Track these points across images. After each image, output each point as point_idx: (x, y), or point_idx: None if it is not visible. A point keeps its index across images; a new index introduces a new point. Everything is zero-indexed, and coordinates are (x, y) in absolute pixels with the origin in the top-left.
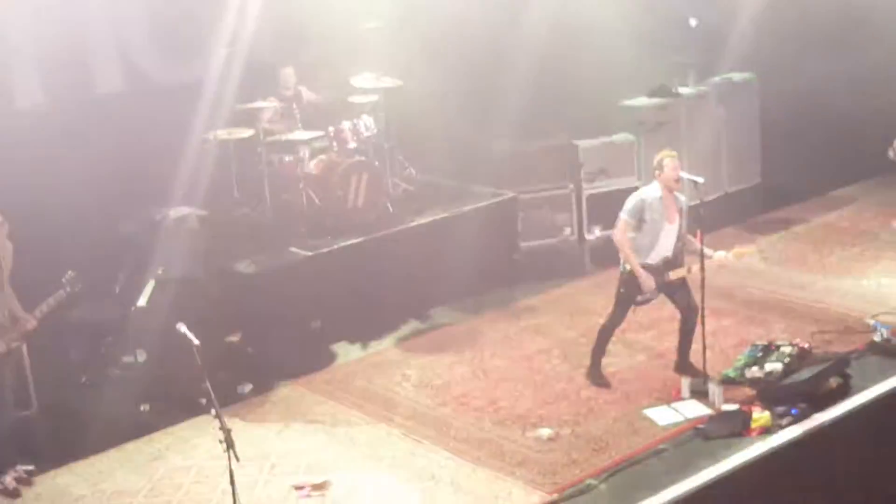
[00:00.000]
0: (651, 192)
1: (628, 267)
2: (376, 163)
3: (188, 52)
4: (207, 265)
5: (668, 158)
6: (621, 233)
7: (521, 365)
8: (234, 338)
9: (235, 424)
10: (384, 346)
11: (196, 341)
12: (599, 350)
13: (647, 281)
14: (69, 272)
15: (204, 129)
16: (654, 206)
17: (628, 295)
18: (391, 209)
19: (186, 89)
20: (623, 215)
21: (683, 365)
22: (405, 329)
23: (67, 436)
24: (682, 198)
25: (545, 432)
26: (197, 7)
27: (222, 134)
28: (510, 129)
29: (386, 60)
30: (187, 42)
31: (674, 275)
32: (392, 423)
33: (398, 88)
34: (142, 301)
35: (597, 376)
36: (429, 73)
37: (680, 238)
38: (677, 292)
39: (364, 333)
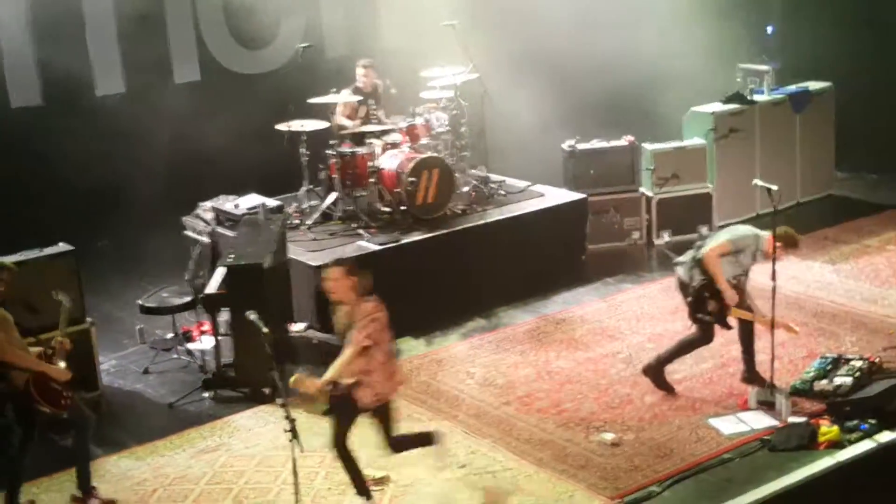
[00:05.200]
0: (762, 244)
1: (698, 284)
2: (448, 159)
3: (263, 44)
4: (276, 255)
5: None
6: (719, 254)
7: (585, 368)
8: (304, 326)
9: (298, 415)
10: (448, 342)
11: (265, 329)
12: (670, 360)
13: (732, 295)
14: None
15: (278, 120)
16: (754, 256)
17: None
18: (461, 206)
19: (262, 80)
20: (726, 236)
21: (750, 374)
22: (470, 326)
23: (131, 420)
24: None
25: (608, 437)
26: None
27: (296, 125)
28: (581, 131)
29: (460, 57)
30: (262, 34)
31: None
32: (455, 420)
33: (471, 86)
34: (211, 287)
35: (661, 382)
36: (501, 71)
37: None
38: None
39: (429, 329)
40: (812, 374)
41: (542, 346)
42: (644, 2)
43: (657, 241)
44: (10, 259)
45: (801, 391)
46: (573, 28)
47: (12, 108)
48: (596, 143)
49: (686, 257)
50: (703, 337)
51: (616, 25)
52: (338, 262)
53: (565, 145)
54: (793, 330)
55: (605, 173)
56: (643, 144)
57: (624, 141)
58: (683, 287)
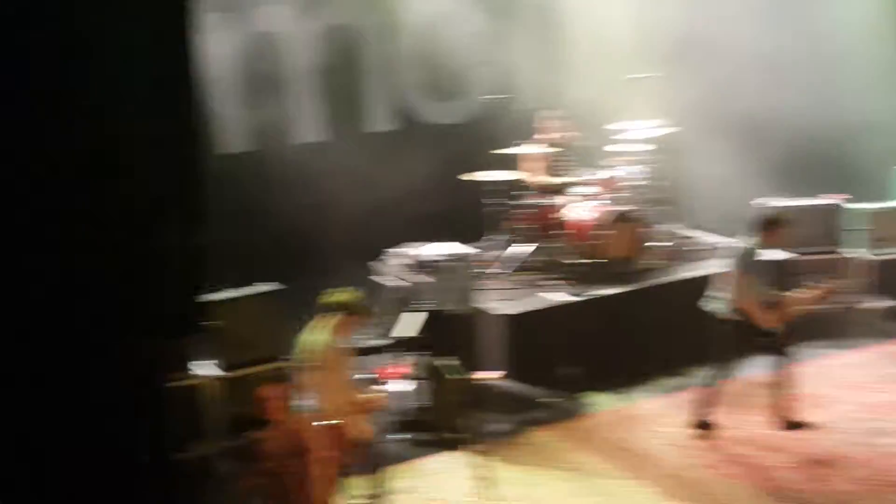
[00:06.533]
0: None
1: None
2: (642, 213)
3: (454, 95)
4: (465, 303)
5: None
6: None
7: (787, 435)
8: (496, 375)
9: (489, 464)
10: (641, 399)
11: (458, 375)
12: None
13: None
14: None
15: (465, 170)
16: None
17: None
18: (655, 261)
19: (451, 130)
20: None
21: None
22: (663, 384)
23: None
24: None
25: None
26: (460, 52)
27: (483, 175)
28: (782, 187)
29: (652, 110)
30: (454, 86)
31: None
32: (648, 480)
33: (668, 140)
34: (402, 331)
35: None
36: (695, 124)
37: None
38: None
39: (620, 384)
40: None
41: (739, 409)
42: (844, 53)
43: (868, 306)
44: (221, 295)
45: None
46: (768, 80)
47: (218, 154)
48: (797, 201)
49: None
50: None
51: (813, 73)
52: (278, 376)
53: (765, 202)
54: None
55: (806, 232)
56: (864, 205)
57: (828, 199)
58: None
